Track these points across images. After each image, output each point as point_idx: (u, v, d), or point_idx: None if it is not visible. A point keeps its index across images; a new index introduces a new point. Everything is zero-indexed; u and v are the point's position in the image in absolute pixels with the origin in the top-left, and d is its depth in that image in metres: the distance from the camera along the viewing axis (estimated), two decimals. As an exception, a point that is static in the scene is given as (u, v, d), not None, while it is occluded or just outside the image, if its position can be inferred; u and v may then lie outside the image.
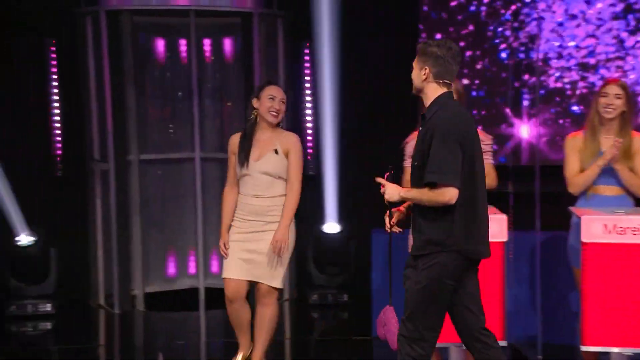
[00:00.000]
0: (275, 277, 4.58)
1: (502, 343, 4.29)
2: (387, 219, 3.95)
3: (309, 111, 7.53)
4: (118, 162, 6.73)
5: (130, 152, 6.82)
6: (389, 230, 3.98)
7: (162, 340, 6.47)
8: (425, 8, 7.44)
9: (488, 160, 4.66)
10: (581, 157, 4.69)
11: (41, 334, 6.56)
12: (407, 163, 4.64)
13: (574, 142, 4.73)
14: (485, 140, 4.65)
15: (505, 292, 4.45)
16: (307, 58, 7.35)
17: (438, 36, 7.15)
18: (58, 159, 7.05)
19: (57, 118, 7.01)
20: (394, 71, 6.89)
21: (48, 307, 6.66)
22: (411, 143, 4.58)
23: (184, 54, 7.17)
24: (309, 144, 7.52)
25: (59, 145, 7.02)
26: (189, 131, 6.95)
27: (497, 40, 7.32)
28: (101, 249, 6.94)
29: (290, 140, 4.60)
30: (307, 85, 7.47)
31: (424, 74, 3.76)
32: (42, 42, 6.99)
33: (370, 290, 6.14)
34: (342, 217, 7.08)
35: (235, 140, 4.65)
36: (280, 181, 4.57)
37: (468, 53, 7.26)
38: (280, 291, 4.76)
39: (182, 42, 7.14)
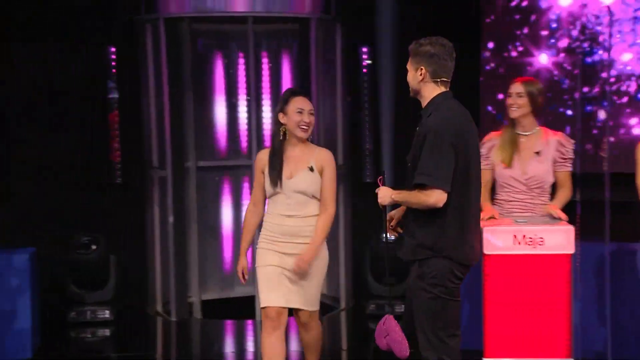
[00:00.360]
0: (314, 301, 4.40)
1: (569, 359, 4.29)
2: (386, 223, 4.01)
3: (367, 118, 7.42)
4: (176, 169, 6.76)
5: (187, 159, 6.85)
6: (387, 235, 4.11)
7: (219, 349, 6.52)
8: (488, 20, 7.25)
9: (567, 168, 4.65)
10: None
11: (99, 340, 6.60)
12: (483, 165, 4.47)
13: None
14: (567, 146, 4.62)
15: (572, 306, 4.31)
16: (365, 63, 7.24)
17: (490, 45, 7.10)
18: (117, 166, 7.09)
19: (117, 125, 7.05)
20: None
21: (106, 313, 6.72)
22: (487, 144, 4.71)
23: (241, 61, 7.14)
24: (368, 149, 7.48)
25: (118, 152, 7.05)
26: (245, 137, 7.00)
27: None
28: (158, 256, 7.00)
29: (325, 156, 4.37)
30: (366, 91, 7.36)
31: (420, 75, 3.74)
32: (102, 50, 7.03)
33: None
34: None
35: (263, 156, 4.43)
36: (315, 200, 4.34)
37: (533, 59, 7.13)
38: (318, 312, 4.51)
39: (240, 49, 7.13)
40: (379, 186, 3.94)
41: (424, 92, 3.79)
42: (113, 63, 7.06)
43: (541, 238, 4.06)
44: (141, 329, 6.85)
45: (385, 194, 3.81)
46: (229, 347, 6.56)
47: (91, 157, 6.94)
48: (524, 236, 4.08)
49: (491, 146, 4.64)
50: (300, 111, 4.18)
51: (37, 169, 6.57)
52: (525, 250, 4.10)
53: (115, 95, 7.03)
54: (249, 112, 6.95)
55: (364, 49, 7.17)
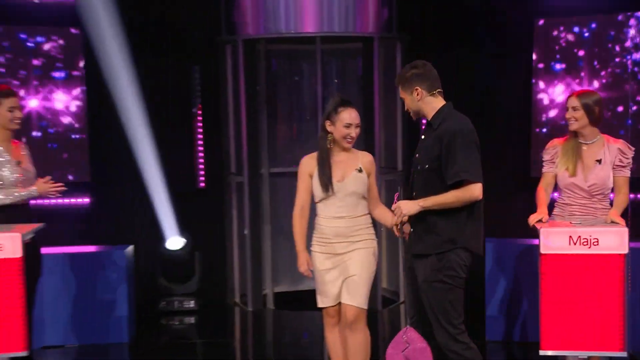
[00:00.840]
0: (361, 298, 4.16)
1: (622, 354, 4.18)
2: (396, 228, 3.90)
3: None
4: (251, 175, 6.82)
5: (262, 166, 6.87)
6: (399, 236, 3.97)
7: (289, 337, 6.58)
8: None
9: (625, 174, 4.52)
10: None
11: (185, 327, 6.67)
12: (546, 168, 4.61)
13: None
14: (627, 153, 4.50)
15: (625, 304, 4.17)
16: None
17: (534, 56, 6.97)
18: (200, 172, 7.18)
19: (200, 136, 7.12)
20: (505, 89, 6.93)
21: (192, 304, 6.82)
22: (551, 150, 4.63)
23: (310, 78, 7.14)
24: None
25: (201, 160, 7.14)
26: (314, 147, 7.00)
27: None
28: (236, 253, 7.10)
29: (369, 159, 4.25)
30: None
31: (417, 95, 3.78)
32: (189, 67, 7.10)
33: (484, 295, 6.06)
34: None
35: (310, 161, 4.25)
36: (364, 201, 4.22)
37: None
38: (366, 313, 4.26)
39: (309, 67, 7.11)
40: (394, 202, 3.88)
41: (426, 107, 3.83)
42: (197, 80, 7.10)
43: (596, 239, 3.97)
44: (221, 318, 6.94)
45: (410, 206, 3.75)
46: (299, 334, 6.59)
47: (177, 165, 6.99)
48: (579, 237, 3.98)
49: (555, 153, 4.53)
50: (348, 125, 4.06)
51: (133, 176, 6.62)
52: (580, 250, 3.99)
53: (198, 109, 7.10)
54: (316, 124, 6.80)
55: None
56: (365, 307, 4.16)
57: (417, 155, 3.95)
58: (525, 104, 6.91)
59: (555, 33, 6.95)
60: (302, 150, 7.17)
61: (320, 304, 4.24)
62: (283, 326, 6.84)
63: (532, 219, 4.38)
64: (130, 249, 6.21)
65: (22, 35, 6.82)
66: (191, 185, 7.21)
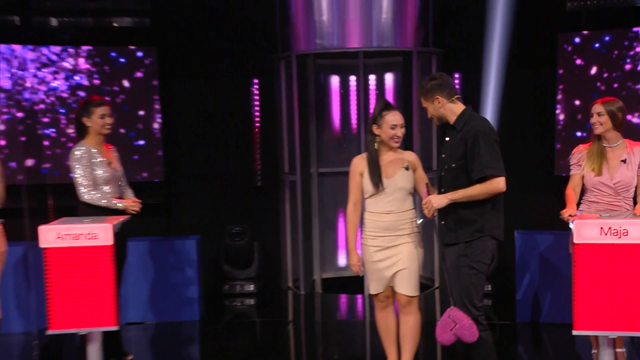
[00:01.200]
0: (412, 287, 4.15)
1: None
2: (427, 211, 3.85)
3: None
4: (303, 174, 6.87)
5: (311, 167, 6.92)
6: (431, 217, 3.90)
7: (336, 317, 6.63)
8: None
9: None
10: None
11: (246, 308, 6.71)
12: (574, 170, 4.56)
13: None
14: None
15: None
16: (457, 87, 7.06)
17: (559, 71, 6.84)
18: (258, 172, 7.22)
19: (258, 140, 7.17)
20: (536, 102, 6.88)
21: (251, 287, 6.86)
22: (577, 155, 4.58)
23: (353, 89, 7.18)
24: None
25: (259, 161, 7.18)
26: (356, 150, 7.00)
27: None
28: (289, 243, 7.16)
29: (414, 157, 4.22)
30: None
31: (439, 103, 3.80)
32: (248, 80, 7.10)
33: (515, 281, 6.04)
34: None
35: (360, 161, 4.20)
36: (410, 196, 4.16)
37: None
38: (419, 298, 4.26)
39: (352, 79, 7.13)
40: (423, 197, 3.91)
41: (447, 113, 3.83)
42: (256, 92, 7.14)
43: (625, 230, 3.92)
44: (277, 300, 6.99)
45: (439, 199, 3.75)
46: (344, 315, 6.67)
47: (239, 166, 7.04)
48: (610, 228, 3.92)
49: (581, 157, 4.49)
50: (393, 127, 4.01)
51: (200, 176, 6.74)
52: (610, 240, 3.94)
53: (257, 117, 7.12)
54: (358, 129, 6.99)
55: (456, 75, 6.94)
56: (417, 294, 4.17)
57: (443, 155, 3.96)
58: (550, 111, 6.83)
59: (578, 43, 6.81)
60: (348, 153, 7.24)
61: (372, 291, 4.24)
62: (330, 308, 6.88)
63: (564, 213, 4.34)
64: (198, 238, 6.25)
65: (113, 54, 6.87)
66: (250, 184, 7.19)
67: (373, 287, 4.21)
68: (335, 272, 7.35)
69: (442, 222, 3.91)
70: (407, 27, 6.74)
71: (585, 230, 3.99)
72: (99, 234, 4.35)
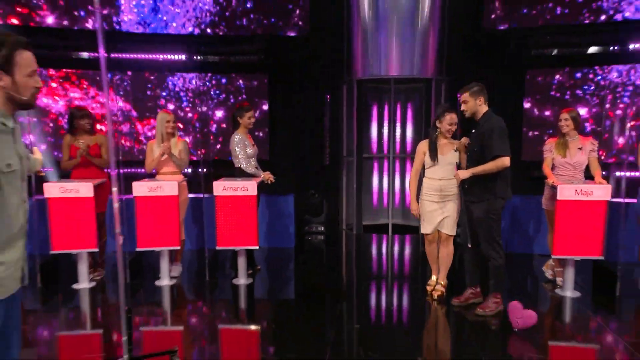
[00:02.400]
0: (452, 229, 4.18)
1: (600, 257, 4.25)
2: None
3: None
4: (357, 157, 6.87)
5: (363, 152, 7.02)
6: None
7: (370, 246, 6.55)
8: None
9: (595, 155, 4.45)
10: None
11: (320, 241, 6.74)
12: (547, 155, 4.59)
13: None
14: (595, 144, 4.47)
15: (605, 227, 4.21)
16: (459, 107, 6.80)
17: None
18: (327, 155, 7.12)
19: (328, 135, 7.12)
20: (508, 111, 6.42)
21: (321, 228, 6.98)
22: (548, 145, 4.61)
23: (385, 105, 7.08)
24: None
25: (327, 148, 7.14)
26: (389, 143, 7.05)
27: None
28: (345, 202, 7.15)
29: (461, 141, 4.13)
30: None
31: (479, 102, 3.82)
32: (323, 95, 7.00)
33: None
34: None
35: (424, 144, 4.21)
36: (456, 169, 4.12)
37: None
38: (454, 237, 4.26)
39: (384, 98, 7.02)
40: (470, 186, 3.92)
41: (479, 110, 3.84)
42: (328, 102, 7.09)
43: (591, 191, 4.10)
44: (338, 237, 6.94)
45: (464, 173, 3.83)
46: (375, 245, 6.63)
47: (315, 151, 7.06)
48: (582, 190, 4.11)
49: (551, 147, 4.54)
50: (451, 123, 4.05)
51: (292, 156, 6.72)
52: (581, 198, 4.11)
53: (328, 119, 7.07)
54: (389, 133, 6.98)
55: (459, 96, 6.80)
56: (454, 233, 4.22)
57: (470, 142, 3.99)
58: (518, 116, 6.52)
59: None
60: (382, 145, 7.26)
61: (424, 231, 4.26)
62: (366, 240, 6.76)
63: (549, 181, 4.43)
64: (292, 197, 6.35)
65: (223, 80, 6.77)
66: (322, 162, 7.07)
67: (425, 227, 4.24)
68: (371, 221, 7.25)
69: (466, 186, 3.94)
70: (428, 60, 6.51)
71: (565, 191, 4.15)
72: (249, 187, 4.60)
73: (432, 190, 4.17)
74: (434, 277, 4.47)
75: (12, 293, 1.87)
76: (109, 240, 5.32)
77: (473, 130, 3.95)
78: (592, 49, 6.02)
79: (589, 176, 4.52)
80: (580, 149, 4.45)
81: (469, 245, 4.10)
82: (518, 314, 3.65)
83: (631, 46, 5.74)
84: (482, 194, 3.84)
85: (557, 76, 6.33)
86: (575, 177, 4.48)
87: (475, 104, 3.85)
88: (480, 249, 3.96)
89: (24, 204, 1.95)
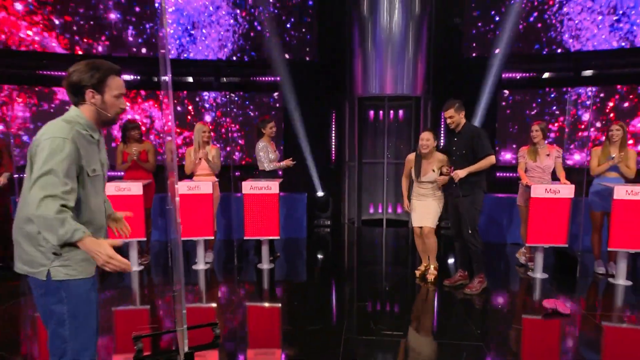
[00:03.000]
0: (433, 222, 4.10)
1: (565, 245, 4.24)
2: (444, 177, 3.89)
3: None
4: (359, 162, 6.82)
5: (362, 158, 6.88)
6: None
7: (368, 236, 6.46)
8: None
9: (560, 160, 4.42)
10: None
11: (326, 232, 6.67)
12: (521, 160, 4.53)
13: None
14: (559, 151, 4.45)
15: (569, 221, 4.22)
16: (442, 122, 6.58)
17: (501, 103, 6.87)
18: (332, 160, 7.10)
19: (333, 141, 7.10)
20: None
21: (328, 222, 6.93)
22: (522, 152, 4.55)
23: (381, 118, 6.91)
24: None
25: (333, 154, 7.13)
26: (382, 150, 6.92)
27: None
28: (347, 200, 7.06)
29: (442, 157, 4.00)
30: (442, 138, 6.57)
31: (461, 115, 3.76)
32: (329, 110, 6.97)
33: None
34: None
35: (411, 156, 4.16)
36: (435, 179, 4.02)
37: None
38: (435, 229, 4.16)
39: (380, 113, 6.86)
40: (448, 174, 3.84)
41: (461, 122, 3.78)
42: (333, 115, 7.07)
43: (558, 190, 4.12)
44: (340, 230, 6.80)
45: (462, 172, 3.70)
46: (372, 235, 6.47)
47: (322, 156, 6.99)
48: (550, 189, 4.12)
49: (524, 153, 4.51)
50: (422, 139, 3.98)
51: (303, 161, 6.59)
52: (550, 195, 4.12)
53: (333, 130, 7.02)
54: (384, 142, 6.78)
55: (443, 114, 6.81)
56: (434, 226, 4.14)
57: (454, 148, 3.86)
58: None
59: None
60: (379, 152, 7.19)
61: (413, 224, 4.20)
62: (365, 232, 6.63)
63: (523, 182, 4.42)
64: (305, 195, 6.27)
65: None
66: (328, 166, 7.04)
67: (414, 221, 4.21)
68: (368, 216, 7.10)
69: (455, 185, 3.83)
70: (418, 80, 6.46)
71: (538, 190, 4.17)
72: (272, 187, 4.59)
73: (416, 194, 4.19)
74: (423, 264, 4.40)
75: (93, 275, 1.90)
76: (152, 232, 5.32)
77: (455, 138, 3.86)
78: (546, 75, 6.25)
79: (554, 178, 4.53)
80: (548, 155, 4.45)
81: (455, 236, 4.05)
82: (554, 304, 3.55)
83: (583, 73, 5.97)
84: (472, 188, 3.78)
85: (519, 96, 6.52)
86: (544, 179, 4.47)
87: (459, 118, 3.79)
88: (463, 237, 3.88)
89: (105, 203, 1.99)
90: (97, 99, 1.82)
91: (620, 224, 3.99)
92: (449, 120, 3.81)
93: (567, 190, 4.16)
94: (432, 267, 4.29)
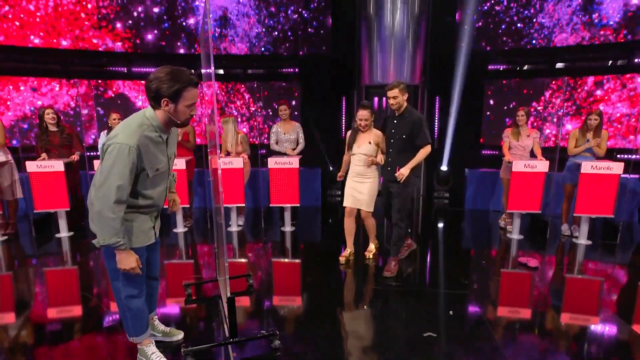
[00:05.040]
0: (369, 206, 3.43)
1: (539, 212, 4.19)
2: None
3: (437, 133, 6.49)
4: None
5: None
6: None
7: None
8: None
9: (537, 141, 4.36)
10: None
11: (336, 200, 6.44)
12: (505, 139, 4.40)
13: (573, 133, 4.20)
14: (537, 133, 4.38)
15: (542, 192, 4.15)
16: (437, 107, 6.60)
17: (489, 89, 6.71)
18: (342, 138, 6.49)
19: (344, 128, 6.63)
20: (474, 108, 6.48)
21: (338, 192, 6.59)
22: (507, 132, 4.45)
23: (384, 103, 6.65)
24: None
25: (343, 134, 6.56)
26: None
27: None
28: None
29: (378, 134, 3.36)
30: (436, 121, 6.55)
31: (405, 97, 3.20)
32: (340, 97, 6.68)
33: (464, 191, 5.94)
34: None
35: (349, 133, 3.48)
36: (372, 157, 3.32)
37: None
38: (372, 212, 3.50)
39: (384, 99, 6.42)
40: (395, 168, 3.25)
41: (403, 104, 3.22)
42: (344, 101, 6.72)
43: (535, 165, 4.08)
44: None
45: (405, 170, 3.15)
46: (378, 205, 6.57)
47: (335, 136, 6.62)
48: (529, 164, 4.10)
49: (508, 133, 4.44)
50: (360, 119, 3.30)
51: (315, 144, 6.28)
52: (529, 169, 4.10)
53: (343, 117, 6.74)
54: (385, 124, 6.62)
55: (437, 98, 6.54)
56: (372, 210, 3.48)
57: (392, 130, 3.27)
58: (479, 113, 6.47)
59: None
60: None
61: (346, 204, 3.50)
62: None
63: (506, 158, 4.39)
64: (319, 169, 6.17)
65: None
66: (338, 145, 6.55)
67: (345, 201, 3.52)
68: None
69: (389, 169, 3.30)
70: (417, 70, 6.24)
71: (518, 165, 4.15)
72: (293, 162, 4.56)
73: (353, 172, 3.47)
74: (348, 249, 3.69)
75: (151, 242, 2.01)
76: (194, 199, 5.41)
77: (395, 121, 3.26)
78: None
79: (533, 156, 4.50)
80: (528, 136, 4.42)
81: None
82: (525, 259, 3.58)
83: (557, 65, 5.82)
84: (411, 174, 3.22)
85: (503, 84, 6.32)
86: (524, 156, 4.45)
87: (402, 99, 3.20)
88: (392, 218, 3.37)
89: (165, 190, 2.01)
90: (171, 107, 1.78)
91: (585, 193, 4.01)
92: (392, 101, 3.21)
93: (542, 165, 4.14)
94: (372, 245, 3.74)
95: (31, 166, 4.32)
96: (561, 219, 4.59)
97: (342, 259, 3.64)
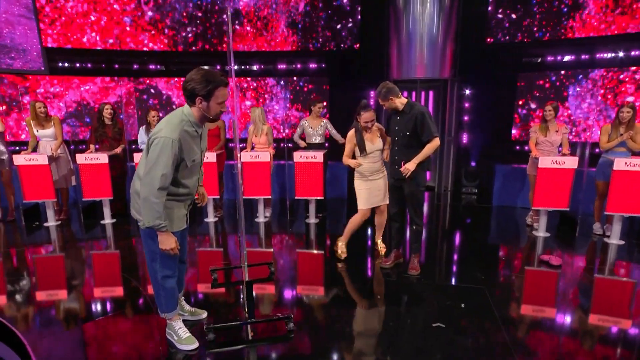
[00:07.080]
0: (387, 199, 3.37)
1: (566, 209, 4.12)
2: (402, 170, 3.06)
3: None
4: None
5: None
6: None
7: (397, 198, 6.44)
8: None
9: (567, 136, 4.30)
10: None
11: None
12: (532, 135, 4.38)
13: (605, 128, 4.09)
14: (567, 127, 4.31)
15: (571, 189, 4.07)
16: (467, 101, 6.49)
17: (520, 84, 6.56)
18: None
19: None
20: (505, 105, 6.50)
21: None
22: (534, 127, 4.39)
23: (413, 99, 6.44)
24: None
25: None
26: None
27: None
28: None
29: (378, 125, 3.29)
30: (466, 116, 6.55)
31: (392, 100, 3.02)
32: (368, 92, 6.46)
33: (493, 187, 5.85)
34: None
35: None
36: (382, 154, 3.30)
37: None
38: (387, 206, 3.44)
39: (413, 93, 6.44)
40: (402, 165, 3.08)
41: (398, 104, 3.04)
42: (372, 97, 6.57)
43: (564, 161, 4.00)
44: None
45: (411, 165, 2.99)
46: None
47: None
48: (557, 160, 4.01)
49: (536, 129, 4.39)
50: (366, 121, 3.14)
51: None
52: (556, 166, 4.01)
53: (373, 107, 6.65)
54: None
55: (467, 92, 6.43)
56: (387, 202, 3.43)
57: (396, 128, 3.11)
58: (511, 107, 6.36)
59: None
60: None
61: (370, 205, 3.39)
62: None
63: (533, 154, 4.31)
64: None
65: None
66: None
67: (369, 203, 3.39)
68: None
69: (396, 167, 3.17)
70: (445, 64, 6.19)
71: (545, 161, 4.07)
72: (317, 156, 4.63)
73: (368, 171, 3.33)
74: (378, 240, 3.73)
75: (182, 228, 2.17)
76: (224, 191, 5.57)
77: (397, 117, 3.11)
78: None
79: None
80: (557, 131, 4.32)
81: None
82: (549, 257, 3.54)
83: (597, 55, 5.59)
84: (417, 171, 3.07)
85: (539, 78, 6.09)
86: (552, 152, 4.35)
87: (390, 104, 3.04)
88: (404, 217, 3.36)
89: (197, 181, 2.19)
90: (204, 105, 1.97)
91: (617, 191, 3.88)
92: (385, 106, 3.10)
93: (571, 161, 4.02)
94: (380, 241, 3.75)
95: (80, 158, 4.64)
96: (593, 217, 4.45)
97: (382, 251, 3.69)
